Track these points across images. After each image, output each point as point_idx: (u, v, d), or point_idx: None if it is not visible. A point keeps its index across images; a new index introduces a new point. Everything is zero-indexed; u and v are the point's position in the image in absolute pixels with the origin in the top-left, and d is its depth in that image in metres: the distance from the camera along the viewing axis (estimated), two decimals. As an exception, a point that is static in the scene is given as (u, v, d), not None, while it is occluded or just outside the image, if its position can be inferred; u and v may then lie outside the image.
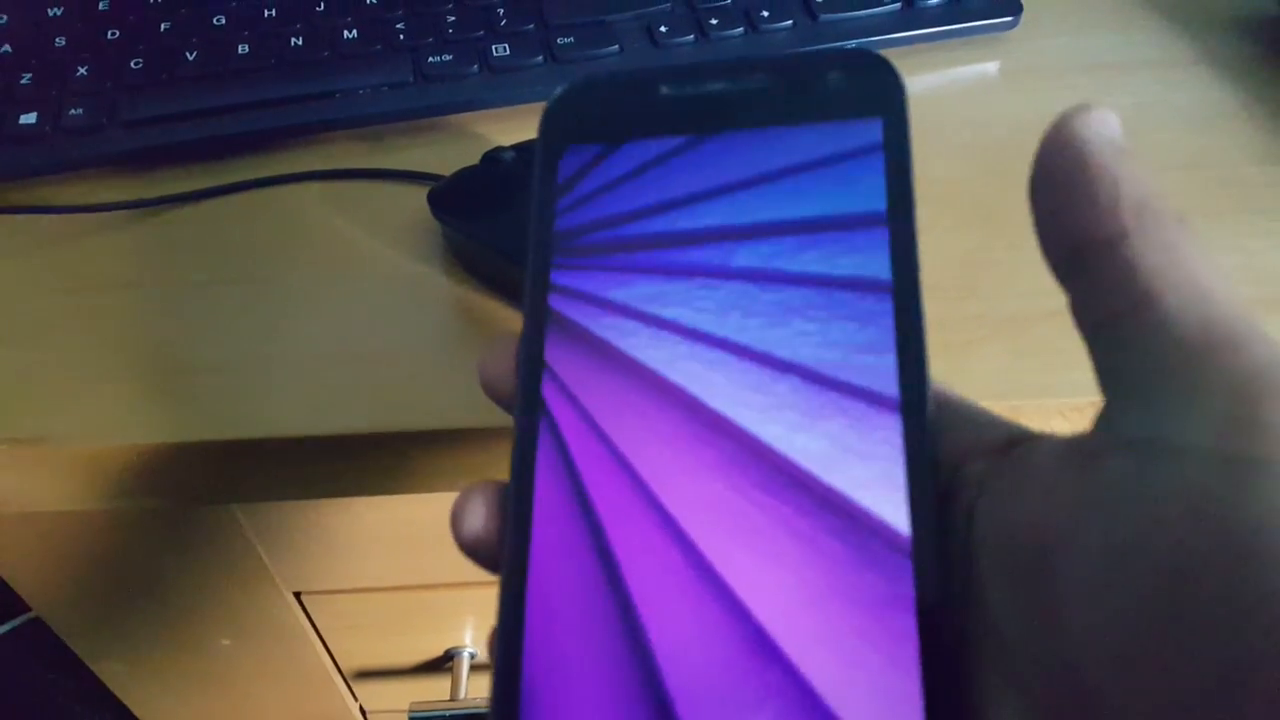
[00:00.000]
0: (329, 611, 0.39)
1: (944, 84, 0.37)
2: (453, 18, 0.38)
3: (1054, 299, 0.30)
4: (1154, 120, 0.35)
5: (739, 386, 0.18)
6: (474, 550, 0.19)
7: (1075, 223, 0.16)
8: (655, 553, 0.17)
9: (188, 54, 0.37)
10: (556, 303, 0.20)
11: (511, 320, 0.30)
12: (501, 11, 0.38)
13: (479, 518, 0.19)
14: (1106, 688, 0.13)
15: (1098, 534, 0.14)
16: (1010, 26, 0.38)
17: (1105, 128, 0.17)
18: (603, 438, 0.19)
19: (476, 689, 0.41)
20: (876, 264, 0.19)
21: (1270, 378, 0.13)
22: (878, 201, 0.19)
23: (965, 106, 0.36)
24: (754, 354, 0.19)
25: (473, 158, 0.32)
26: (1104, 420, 0.15)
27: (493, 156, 0.32)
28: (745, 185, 0.20)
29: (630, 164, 0.21)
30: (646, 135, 0.21)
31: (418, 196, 0.33)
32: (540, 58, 0.37)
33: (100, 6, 0.40)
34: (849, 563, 0.17)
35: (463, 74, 0.37)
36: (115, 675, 0.44)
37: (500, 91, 0.37)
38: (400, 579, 0.38)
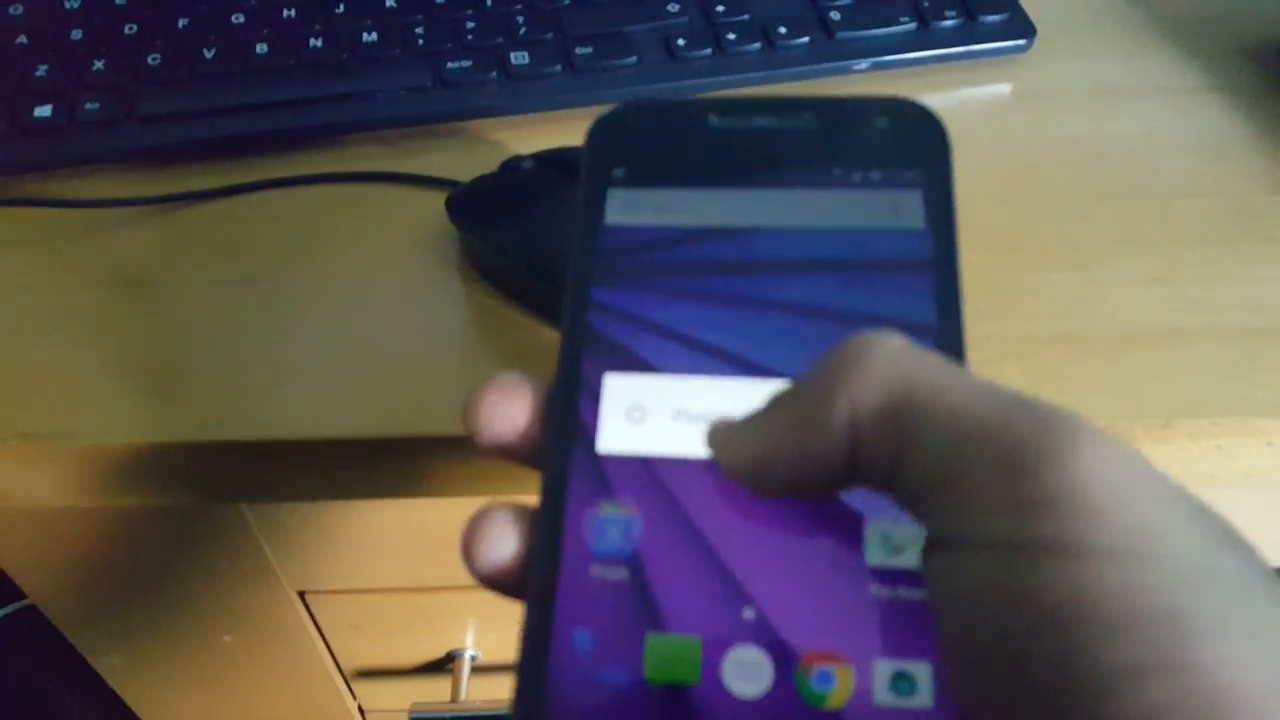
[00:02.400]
0: (332, 611, 0.40)
1: (957, 105, 0.38)
2: (472, 24, 0.38)
3: (1066, 321, 0.31)
4: (1164, 147, 0.35)
5: None
6: (492, 580, 0.18)
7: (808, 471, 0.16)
8: (689, 573, 0.17)
9: (206, 51, 0.37)
10: (597, 321, 0.20)
11: (526, 328, 0.31)
12: (521, 20, 0.38)
13: (498, 548, 0.18)
14: None
15: (947, 623, 0.15)
16: (1024, 49, 0.38)
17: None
18: (641, 460, 0.18)
19: (477, 691, 0.41)
20: (920, 309, 0.19)
21: (1028, 451, 0.14)
22: (923, 248, 0.20)
23: (978, 127, 0.36)
24: None
25: (489, 164, 0.33)
26: (928, 526, 0.16)
27: (512, 165, 0.32)
28: (792, 221, 0.20)
29: (675, 189, 0.21)
30: (691, 163, 0.21)
31: (434, 202, 0.33)
32: (559, 66, 0.37)
33: (118, 1, 0.40)
34: (888, 603, 0.17)
35: (482, 80, 0.37)
36: (112, 668, 0.44)
37: (519, 99, 0.37)
38: (404, 580, 0.38)
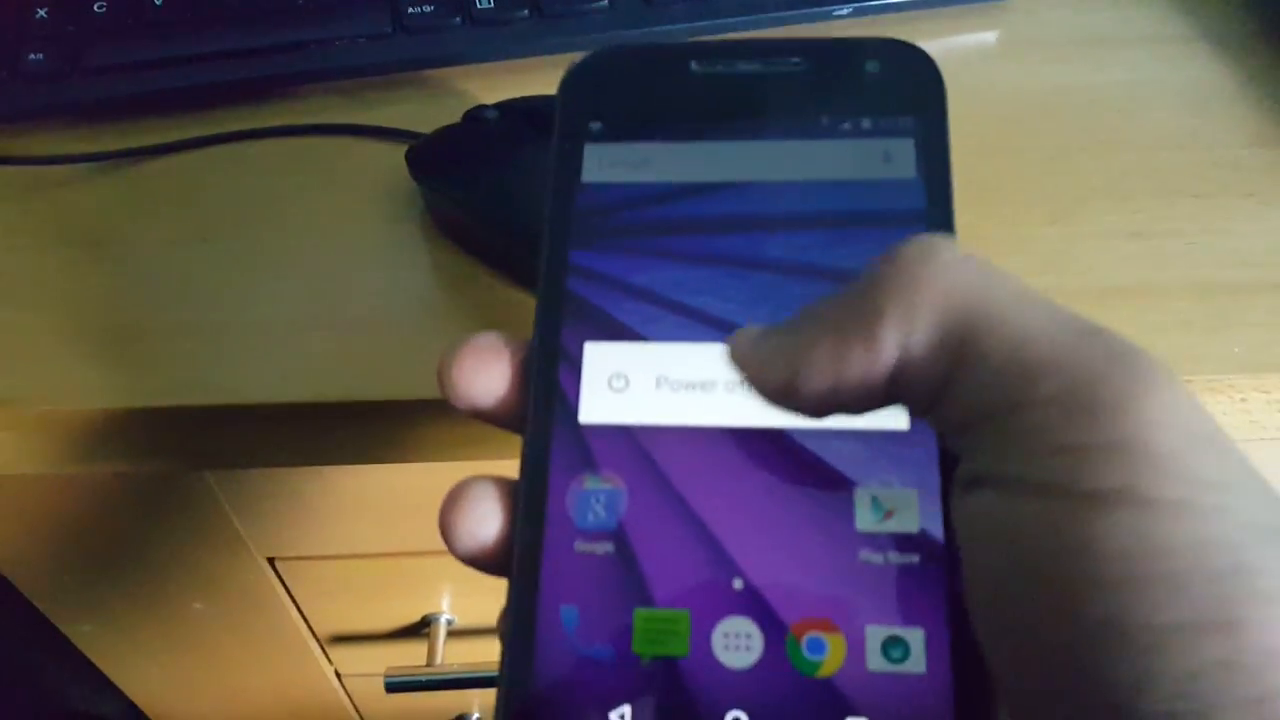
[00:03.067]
0: (303, 577, 0.39)
1: (941, 52, 0.36)
2: (434, -33, 0.37)
3: (1044, 276, 0.30)
4: (1148, 98, 0.35)
5: None
6: (474, 560, 0.18)
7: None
8: (676, 545, 0.17)
9: (155, -2, 0.36)
10: (574, 285, 0.19)
11: (493, 286, 0.30)
12: (485, -38, 0.37)
13: (481, 528, 0.17)
14: (1015, 703, 0.14)
15: (980, 572, 0.14)
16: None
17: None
18: (623, 430, 0.18)
19: (453, 654, 0.41)
20: None
21: (1102, 389, 0.13)
22: (916, 199, 0.19)
23: (962, 75, 0.35)
24: None
25: (454, 115, 0.31)
26: (967, 462, 0.15)
27: (475, 115, 0.31)
28: (779, 175, 0.19)
29: (654, 143, 0.20)
30: (673, 114, 0.20)
31: (395, 155, 0.32)
32: (526, 11, 0.36)
33: (61, -56, 0.38)
34: (879, 569, 0.16)
35: (444, 26, 0.35)
36: (85, 636, 0.43)
37: (483, 46, 0.35)
38: (376, 546, 0.37)
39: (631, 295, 0.19)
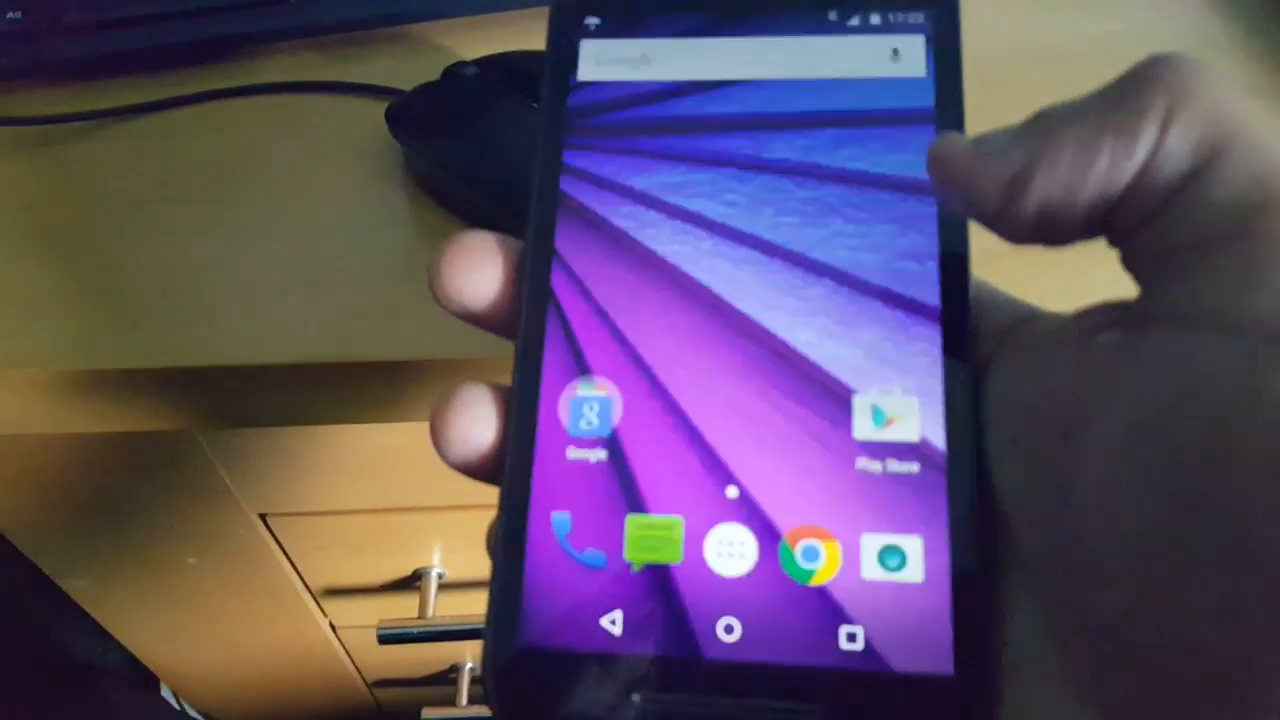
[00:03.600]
0: (295, 532, 0.40)
1: (929, 3, 0.36)
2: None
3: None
4: (1140, 50, 0.33)
5: (767, 287, 0.17)
6: (465, 468, 0.17)
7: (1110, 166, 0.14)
8: (670, 452, 0.17)
9: (132, -48, 0.35)
10: (569, 186, 0.18)
11: None
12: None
13: (473, 436, 0.17)
14: (1115, 565, 0.13)
15: (1129, 410, 0.13)
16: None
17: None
18: (618, 336, 0.18)
19: (445, 607, 0.42)
20: (921, 165, 0.17)
21: None
22: (925, 98, 0.18)
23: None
24: (786, 254, 0.18)
25: (435, 71, 0.31)
26: (1145, 300, 0.14)
27: (454, 72, 0.30)
28: (782, 72, 0.19)
29: (652, 39, 0.19)
30: (673, 8, 0.19)
31: (376, 112, 0.32)
32: (507, -36, 0.35)
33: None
34: (877, 477, 0.16)
35: (426, -20, 0.35)
36: (81, 591, 0.44)
37: (466, 1, 0.35)
38: (367, 502, 0.38)
39: (629, 198, 0.18)
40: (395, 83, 0.33)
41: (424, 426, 0.27)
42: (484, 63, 0.31)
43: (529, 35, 0.34)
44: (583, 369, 0.17)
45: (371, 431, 0.34)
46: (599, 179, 0.18)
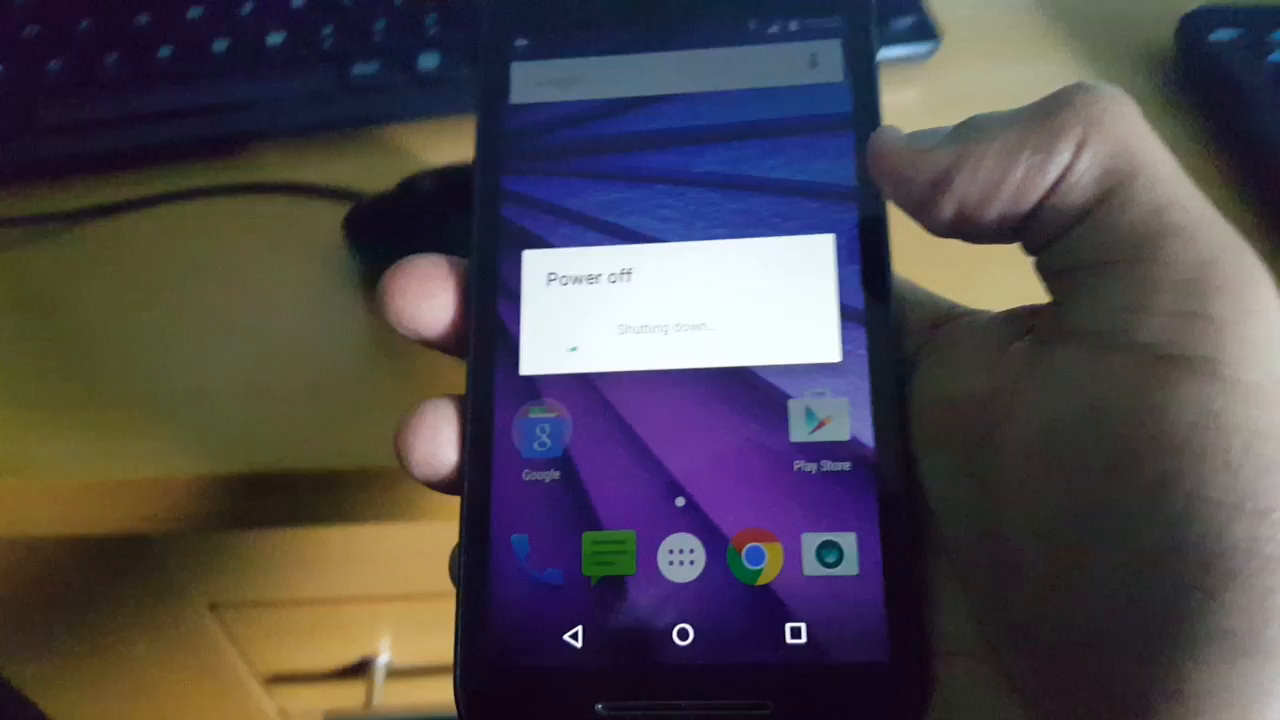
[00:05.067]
0: (244, 621, 0.39)
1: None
2: (382, 24, 0.38)
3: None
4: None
5: (704, 299, 0.18)
6: (430, 484, 0.18)
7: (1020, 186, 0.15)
8: (620, 468, 0.17)
9: (108, 56, 0.37)
10: (509, 211, 0.19)
11: (427, 354, 0.30)
12: (432, 19, 0.38)
13: (437, 456, 0.17)
14: (1030, 559, 0.14)
15: (1040, 416, 0.15)
16: (928, 55, 0.39)
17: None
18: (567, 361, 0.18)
19: (393, 694, 0.41)
20: (843, 170, 0.18)
21: (1219, 268, 0.14)
22: (844, 103, 0.19)
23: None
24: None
25: (398, 172, 0.32)
26: (1054, 311, 0.16)
27: (410, 184, 0.32)
28: (707, 84, 0.19)
29: (580, 58, 0.20)
30: (598, 25, 0.20)
31: (338, 214, 0.33)
32: (469, 70, 0.37)
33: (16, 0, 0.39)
34: (813, 477, 0.17)
35: (389, 85, 0.36)
36: (28, 679, 0.43)
37: (428, 104, 0.36)
38: (315, 593, 0.38)
39: (567, 219, 0.19)
40: (359, 184, 0.34)
41: (375, 528, 0.27)
42: (441, 175, 0.32)
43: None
44: (533, 392, 0.18)
45: (316, 531, 0.34)
46: (537, 201, 0.19)
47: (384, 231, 0.31)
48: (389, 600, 0.38)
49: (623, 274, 0.18)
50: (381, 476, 0.28)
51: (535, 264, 0.19)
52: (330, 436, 0.28)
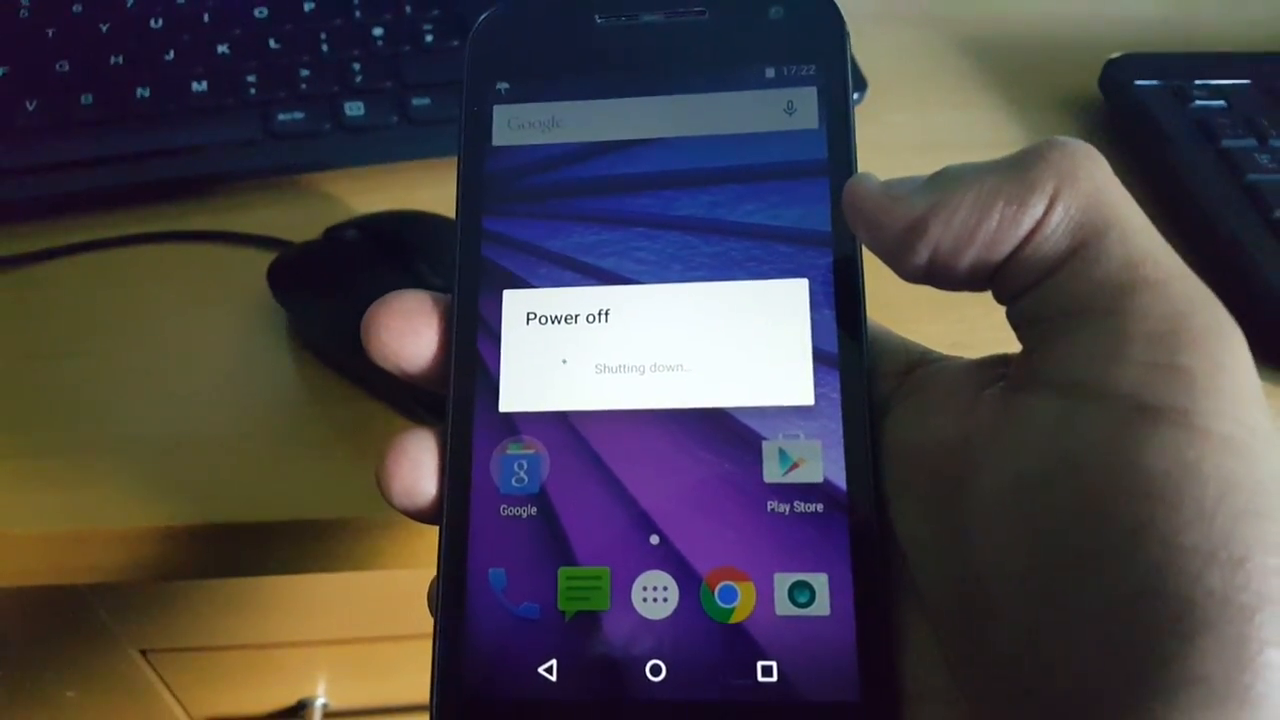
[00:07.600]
0: (176, 667, 0.39)
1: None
2: (307, 71, 0.38)
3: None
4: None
5: (679, 340, 0.19)
6: (410, 514, 0.18)
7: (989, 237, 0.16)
8: (595, 505, 0.18)
9: (28, 103, 0.36)
10: (490, 252, 0.19)
11: (354, 399, 0.30)
12: (358, 68, 0.38)
13: (417, 489, 0.18)
14: (1004, 605, 0.15)
15: (1013, 464, 0.15)
16: (855, 103, 0.39)
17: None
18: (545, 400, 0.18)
19: (331, 736, 0.42)
20: (818, 216, 0.19)
21: (1192, 321, 0.14)
22: (819, 150, 0.19)
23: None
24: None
25: (324, 220, 0.32)
26: (1026, 360, 0.16)
27: (335, 234, 0.32)
28: (686, 129, 0.20)
29: (562, 101, 0.20)
30: (580, 70, 0.20)
31: (263, 262, 0.33)
32: (395, 117, 0.37)
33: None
34: (786, 518, 0.17)
35: (315, 132, 0.36)
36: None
37: (354, 152, 0.36)
38: (249, 638, 0.38)
39: (546, 260, 0.19)
40: (284, 232, 0.34)
41: (309, 578, 0.27)
42: (364, 225, 0.32)
43: (417, 184, 0.36)
44: (511, 429, 0.18)
45: (247, 580, 0.34)
46: (518, 242, 0.19)
47: (308, 280, 0.31)
48: (324, 644, 0.39)
49: (601, 314, 0.19)
50: (312, 526, 0.28)
51: (515, 303, 0.19)
52: (258, 486, 0.28)
